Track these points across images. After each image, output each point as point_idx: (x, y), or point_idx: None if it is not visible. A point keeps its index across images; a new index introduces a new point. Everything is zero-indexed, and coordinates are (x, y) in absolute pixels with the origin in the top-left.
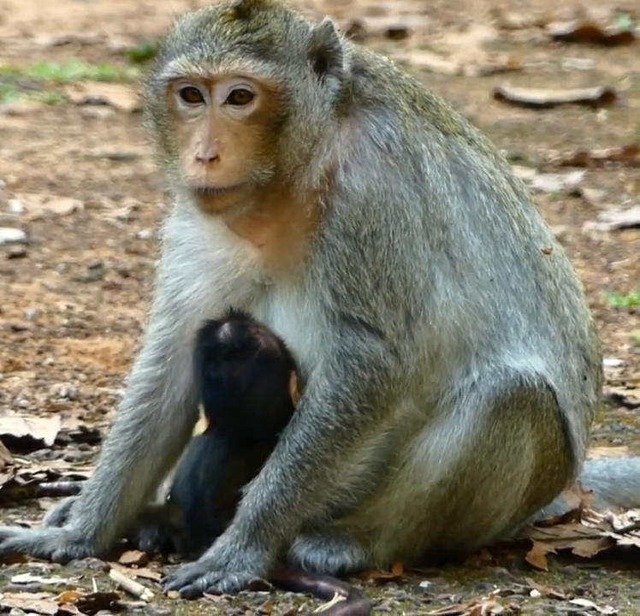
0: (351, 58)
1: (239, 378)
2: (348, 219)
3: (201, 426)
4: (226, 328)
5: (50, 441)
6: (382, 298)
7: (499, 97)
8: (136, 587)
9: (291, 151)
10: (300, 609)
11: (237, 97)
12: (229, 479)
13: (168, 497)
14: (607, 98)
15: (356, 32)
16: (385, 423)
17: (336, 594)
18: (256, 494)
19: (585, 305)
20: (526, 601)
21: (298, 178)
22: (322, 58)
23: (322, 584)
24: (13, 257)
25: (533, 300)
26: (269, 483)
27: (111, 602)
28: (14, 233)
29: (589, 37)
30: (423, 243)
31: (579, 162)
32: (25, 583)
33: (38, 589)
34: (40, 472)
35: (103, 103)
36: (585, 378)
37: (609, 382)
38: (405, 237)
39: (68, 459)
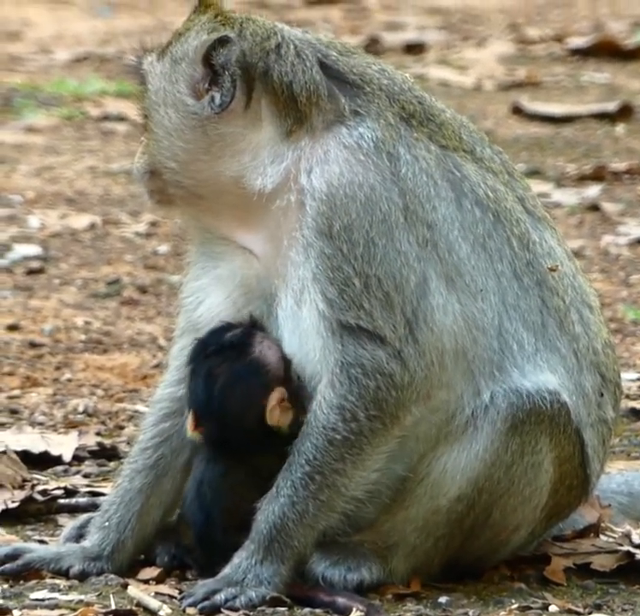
0: (342, 74)
1: (217, 376)
2: (318, 216)
3: (189, 423)
4: (230, 328)
5: (67, 457)
6: (374, 299)
7: (517, 111)
8: (154, 603)
9: (158, 147)
10: None
11: None
12: (234, 494)
13: (178, 518)
14: (624, 112)
15: (374, 46)
16: (396, 430)
17: (354, 609)
18: (268, 508)
19: (600, 322)
20: (545, 615)
21: (233, 179)
22: (216, 71)
23: (340, 600)
24: (31, 272)
25: (538, 318)
26: (280, 496)
27: None
28: (32, 249)
29: (607, 51)
30: (406, 237)
31: (597, 175)
32: (42, 600)
33: (56, 606)
34: (58, 488)
35: (121, 118)
36: (602, 395)
37: (628, 396)
38: (383, 229)
39: (86, 476)
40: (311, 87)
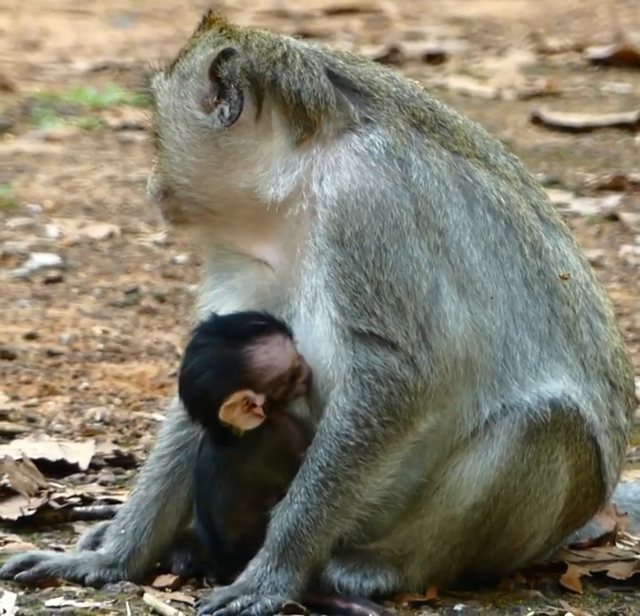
0: (350, 81)
1: (198, 352)
2: (329, 223)
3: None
4: (255, 318)
5: (84, 465)
6: (386, 305)
7: (536, 121)
8: (170, 610)
9: (170, 164)
10: None
11: None
12: (230, 507)
13: (196, 532)
14: None
15: (394, 56)
16: (410, 436)
17: None
18: (282, 515)
19: (612, 332)
20: None
21: (246, 191)
22: (223, 84)
23: (356, 607)
24: (49, 281)
25: (546, 326)
26: (294, 503)
27: None
28: (51, 258)
29: (627, 61)
30: (418, 243)
31: (616, 185)
32: (58, 607)
33: (72, 613)
34: (74, 496)
35: (140, 128)
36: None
37: None
38: (395, 235)
39: (103, 484)
40: (318, 95)
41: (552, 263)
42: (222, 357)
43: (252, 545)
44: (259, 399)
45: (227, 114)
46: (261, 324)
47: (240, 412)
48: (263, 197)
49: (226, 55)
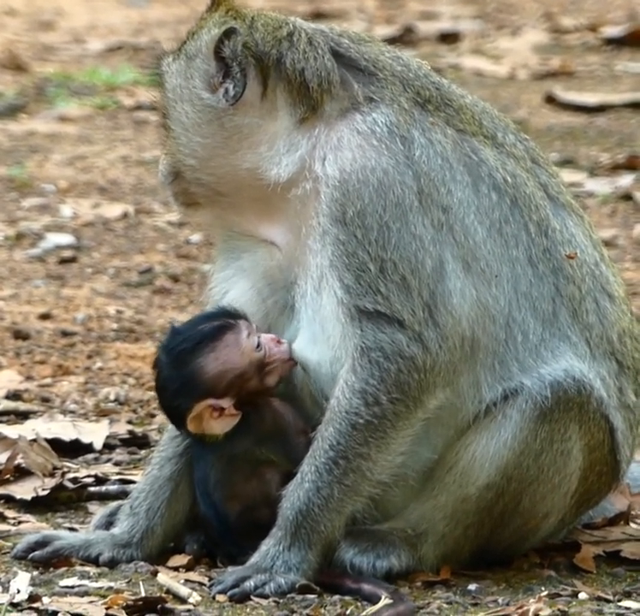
0: (354, 60)
1: (158, 370)
2: (332, 203)
3: None
4: (202, 327)
5: (98, 445)
6: (391, 283)
7: (550, 100)
8: (183, 591)
9: (177, 145)
10: (348, 612)
11: None
12: (226, 482)
13: (202, 516)
14: None
15: (408, 36)
16: (420, 413)
17: (383, 597)
18: (293, 495)
19: (620, 312)
20: (574, 603)
21: (250, 173)
22: (227, 64)
23: (366, 587)
24: (63, 261)
25: (550, 306)
26: (305, 482)
27: (159, 606)
28: (65, 238)
29: None
30: (421, 221)
31: (631, 165)
32: (72, 587)
33: (86, 593)
34: (88, 476)
35: (154, 108)
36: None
37: None
38: (397, 213)
39: (117, 463)
40: (322, 74)
41: (559, 242)
42: (172, 376)
43: (257, 515)
44: (225, 403)
45: (231, 92)
46: (207, 330)
47: (210, 419)
48: (267, 177)
49: (228, 34)
